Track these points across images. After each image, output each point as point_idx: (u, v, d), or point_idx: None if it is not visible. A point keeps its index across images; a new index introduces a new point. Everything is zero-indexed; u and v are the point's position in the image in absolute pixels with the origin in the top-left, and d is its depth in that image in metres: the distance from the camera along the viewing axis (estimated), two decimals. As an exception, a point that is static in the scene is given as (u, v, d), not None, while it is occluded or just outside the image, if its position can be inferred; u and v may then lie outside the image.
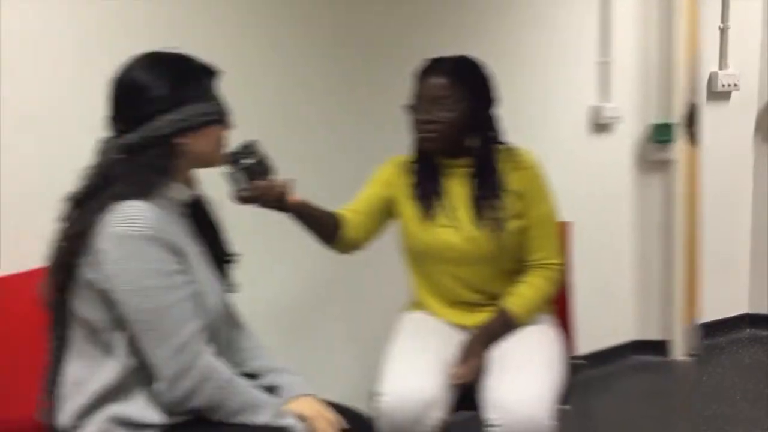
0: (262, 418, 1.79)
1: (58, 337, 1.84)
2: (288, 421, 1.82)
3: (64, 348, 1.84)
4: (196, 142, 1.82)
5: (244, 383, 1.82)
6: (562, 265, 2.47)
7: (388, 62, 3.29)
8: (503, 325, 2.36)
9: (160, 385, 1.74)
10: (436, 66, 2.36)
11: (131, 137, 1.77)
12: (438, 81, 2.32)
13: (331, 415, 1.89)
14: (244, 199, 2.04)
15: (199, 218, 1.97)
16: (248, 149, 1.97)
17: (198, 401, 1.74)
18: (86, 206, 1.76)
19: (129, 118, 1.78)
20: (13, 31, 2.38)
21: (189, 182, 1.92)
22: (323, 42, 3.15)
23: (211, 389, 1.74)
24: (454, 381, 2.24)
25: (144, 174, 1.76)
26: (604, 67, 4.08)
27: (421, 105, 2.34)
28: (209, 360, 1.75)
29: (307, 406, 1.88)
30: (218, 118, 1.85)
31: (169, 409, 1.76)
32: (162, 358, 1.71)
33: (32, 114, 2.44)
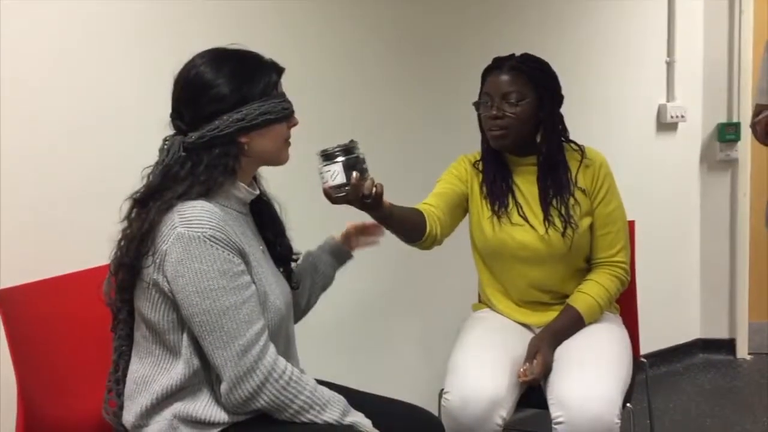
0: (329, 416, 1.76)
1: (123, 337, 1.86)
2: (355, 419, 1.80)
3: (128, 347, 1.87)
4: (259, 141, 1.81)
5: (310, 381, 1.79)
6: (628, 263, 2.48)
7: (454, 62, 3.32)
8: (570, 324, 2.37)
9: (223, 387, 1.72)
10: (502, 63, 2.39)
11: (194, 136, 1.76)
12: (504, 77, 2.35)
13: None
14: (340, 197, 1.90)
15: (262, 216, 1.98)
16: (347, 147, 1.89)
17: (262, 402, 1.71)
18: (149, 206, 1.75)
19: (192, 116, 1.78)
20: (75, 39, 2.43)
21: (253, 181, 1.92)
22: (389, 42, 3.18)
23: (274, 390, 1.71)
24: (522, 379, 2.24)
25: (207, 173, 1.75)
26: (670, 66, 4.08)
27: (488, 101, 2.38)
28: (272, 360, 1.72)
29: None
30: (281, 116, 1.82)
31: (233, 410, 1.75)
32: (225, 359, 1.68)
33: (97, 114, 2.47)
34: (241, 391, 1.70)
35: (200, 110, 1.77)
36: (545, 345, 2.31)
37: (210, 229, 1.69)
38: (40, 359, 2.04)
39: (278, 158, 1.89)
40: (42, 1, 2.37)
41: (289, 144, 1.90)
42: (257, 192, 1.92)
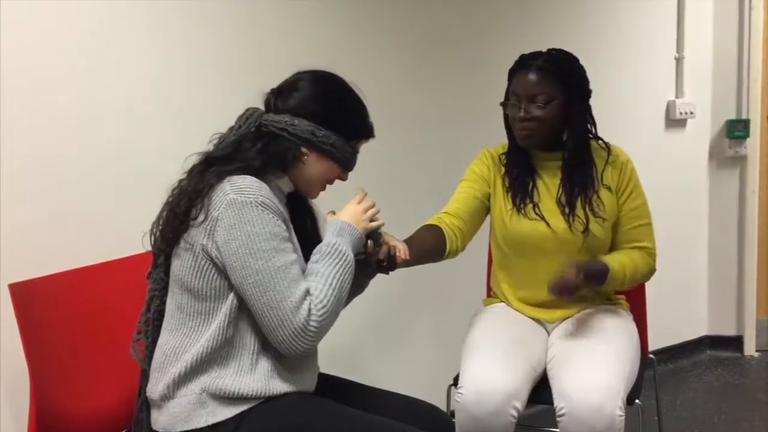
0: (346, 247, 1.84)
1: (158, 280, 1.90)
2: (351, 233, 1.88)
3: (162, 291, 1.91)
4: (312, 162, 1.92)
5: (313, 282, 1.79)
6: (656, 254, 2.46)
7: (468, 59, 3.32)
8: (599, 272, 2.27)
9: (279, 346, 1.77)
10: (530, 62, 2.34)
11: (273, 118, 1.89)
12: (532, 77, 2.32)
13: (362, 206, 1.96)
14: (358, 262, 1.94)
15: (304, 223, 2.04)
16: None
17: (327, 329, 1.80)
18: (210, 170, 1.83)
19: (284, 102, 1.91)
20: (90, 30, 2.44)
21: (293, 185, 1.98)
22: (405, 39, 3.18)
23: (328, 317, 1.77)
24: (551, 291, 2.19)
25: (266, 158, 1.86)
26: (679, 62, 4.07)
27: (516, 102, 2.35)
28: (315, 306, 1.76)
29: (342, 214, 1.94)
30: (341, 160, 1.94)
31: (307, 351, 1.79)
32: (280, 318, 1.73)
33: (109, 108, 2.48)
34: (302, 342, 1.75)
35: (292, 103, 1.91)
36: (576, 269, 2.20)
37: (261, 196, 1.78)
38: (53, 352, 2.05)
39: (310, 189, 1.99)
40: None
41: (324, 188, 1.99)
42: (294, 188, 1.98)
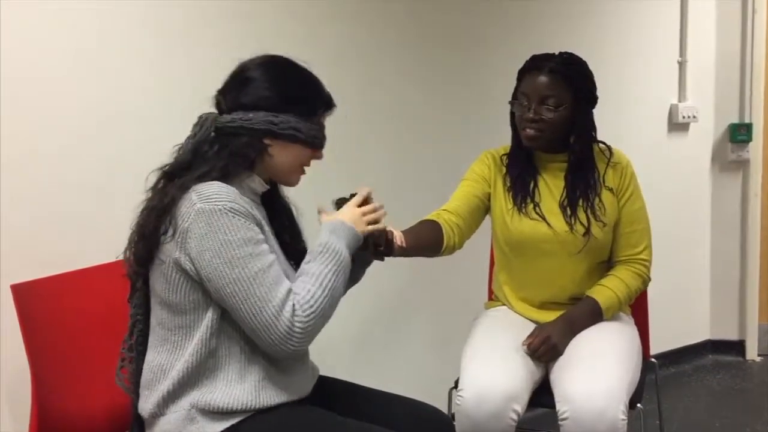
0: (341, 246, 1.81)
1: (138, 305, 1.87)
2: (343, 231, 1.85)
3: (143, 315, 1.88)
4: (279, 151, 1.86)
5: (305, 284, 1.77)
6: (651, 262, 2.47)
7: (468, 58, 3.33)
8: (585, 312, 2.36)
9: (269, 350, 1.75)
10: (543, 64, 2.35)
11: (227, 118, 1.83)
12: (544, 78, 2.33)
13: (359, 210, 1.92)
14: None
15: (280, 218, 2.01)
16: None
17: (315, 332, 1.76)
18: (173, 182, 1.79)
19: (233, 100, 1.85)
20: (93, 33, 2.44)
21: (268, 181, 1.94)
22: (403, 38, 3.18)
23: (315, 318, 1.74)
24: (525, 351, 2.27)
25: (229, 159, 1.81)
26: (682, 66, 4.07)
27: (525, 102, 2.35)
28: (300, 307, 1.72)
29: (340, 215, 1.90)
30: (308, 140, 1.87)
31: (298, 353, 1.77)
32: (263, 324, 1.70)
33: (112, 110, 2.48)
34: (290, 344, 1.72)
35: (242, 98, 1.84)
36: (555, 326, 2.32)
37: (229, 202, 1.73)
38: (54, 352, 2.05)
39: (288, 178, 1.94)
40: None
41: (303, 172, 1.94)
42: (268, 186, 1.94)
